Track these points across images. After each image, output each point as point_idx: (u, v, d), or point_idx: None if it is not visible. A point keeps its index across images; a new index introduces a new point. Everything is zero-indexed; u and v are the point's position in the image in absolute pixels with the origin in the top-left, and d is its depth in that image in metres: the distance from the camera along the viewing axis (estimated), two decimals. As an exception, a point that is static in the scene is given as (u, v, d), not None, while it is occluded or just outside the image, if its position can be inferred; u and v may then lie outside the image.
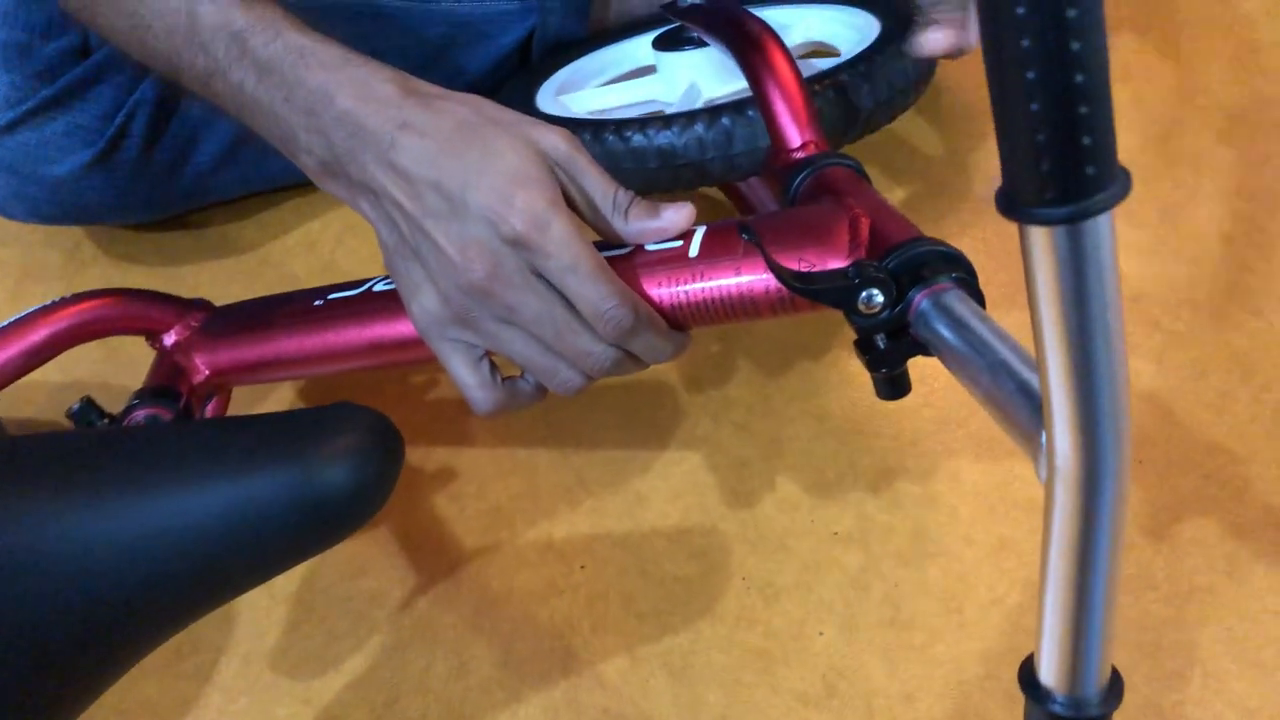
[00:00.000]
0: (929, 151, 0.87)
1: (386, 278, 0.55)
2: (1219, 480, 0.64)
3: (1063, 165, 0.25)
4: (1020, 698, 0.36)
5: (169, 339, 0.60)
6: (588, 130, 0.66)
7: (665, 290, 0.48)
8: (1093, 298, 0.26)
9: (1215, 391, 0.68)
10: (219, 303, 0.64)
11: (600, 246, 0.48)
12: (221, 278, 0.82)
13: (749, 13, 0.61)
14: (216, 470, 0.42)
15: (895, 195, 0.83)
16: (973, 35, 0.77)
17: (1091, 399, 0.27)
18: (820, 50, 0.80)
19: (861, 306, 0.41)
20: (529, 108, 0.75)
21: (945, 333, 0.39)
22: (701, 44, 0.71)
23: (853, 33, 0.75)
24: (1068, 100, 0.24)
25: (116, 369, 0.76)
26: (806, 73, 0.59)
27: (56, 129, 0.74)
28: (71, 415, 0.57)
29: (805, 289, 0.42)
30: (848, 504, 0.65)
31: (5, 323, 0.58)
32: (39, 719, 0.43)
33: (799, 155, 0.53)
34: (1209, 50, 0.93)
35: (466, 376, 0.50)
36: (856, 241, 0.44)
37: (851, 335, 0.45)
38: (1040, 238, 0.26)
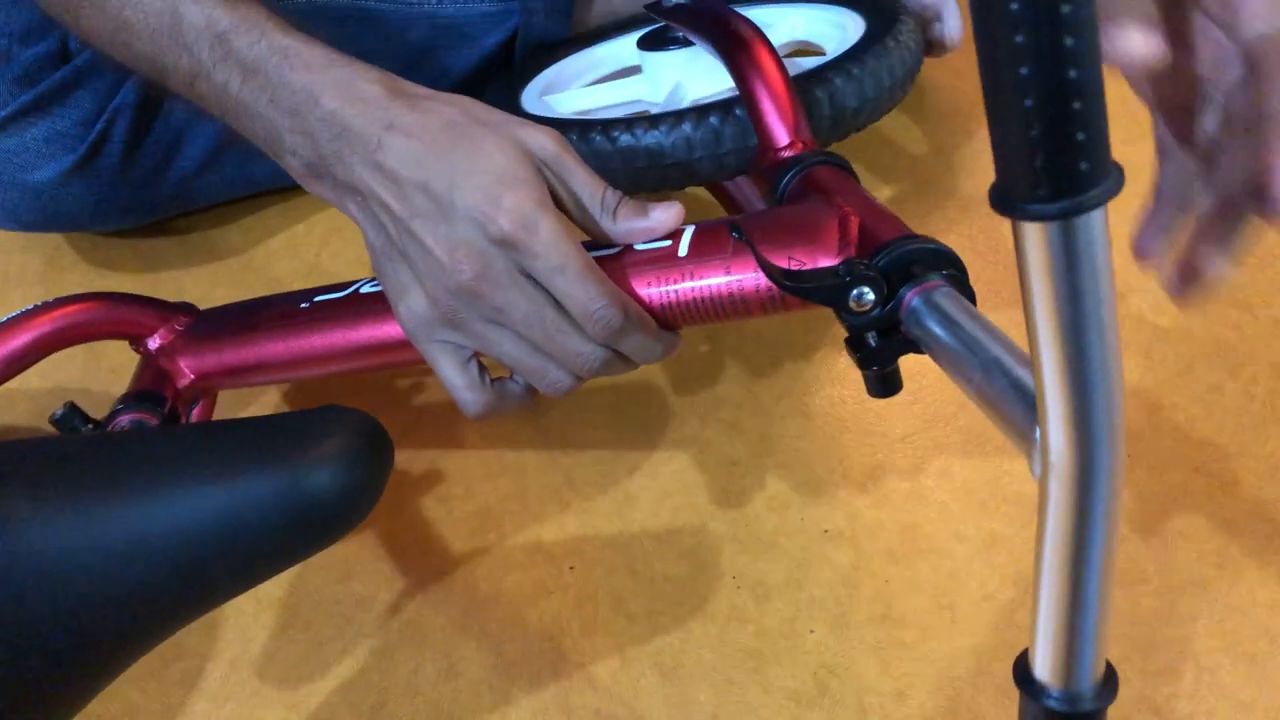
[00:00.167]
0: (915, 150, 0.87)
1: (373, 279, 0.55)
2: (1208, 474, 0.64)
3: (1056, 161, 0.25)
4: (1013, 693, 0.36)
5: (153, 343, 0.60)
6: (574, 130, 0.65)
7: (654, 290, 0.48)
8: (1086, 293, 0.26)
9: (1203, 385, 0.68)
10: (203, 308, 0.64)
11: (589, 247, 0.48)
12: (205, 283, 0.82)
13: (734, 11, 0.61)
14: (203, 474, 0.42)
15: (882, 194, 0.83)
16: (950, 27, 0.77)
17: (1086, 395, 0.27)
18: (805, 49, 0.79)
19: (852, 304, 0.41)
20: (513, 109, 0.74)
21: (937, 330, 0.39)
22: (687, 43, 0.71)
23: (838, 31, 0.75)
24: (1061, 96, 0.24)
25: (100, 375, 0.75)
26: (792, 72, 0.59)
27: (36, 135, 0.74)
28: (55, 421, 0.56)
29: (795, 287, 0.42)
30: (837, 501, 0.65)
31: (-13, 328, 0.58)
32: (25, 729, 0.42)
33: (786, 154, 0.53)
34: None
35: (455, 378, 0.49)
36: (846, 239, 0.44)
37: (840, 333, 0.45)
38: (1034, 234, 0.26)
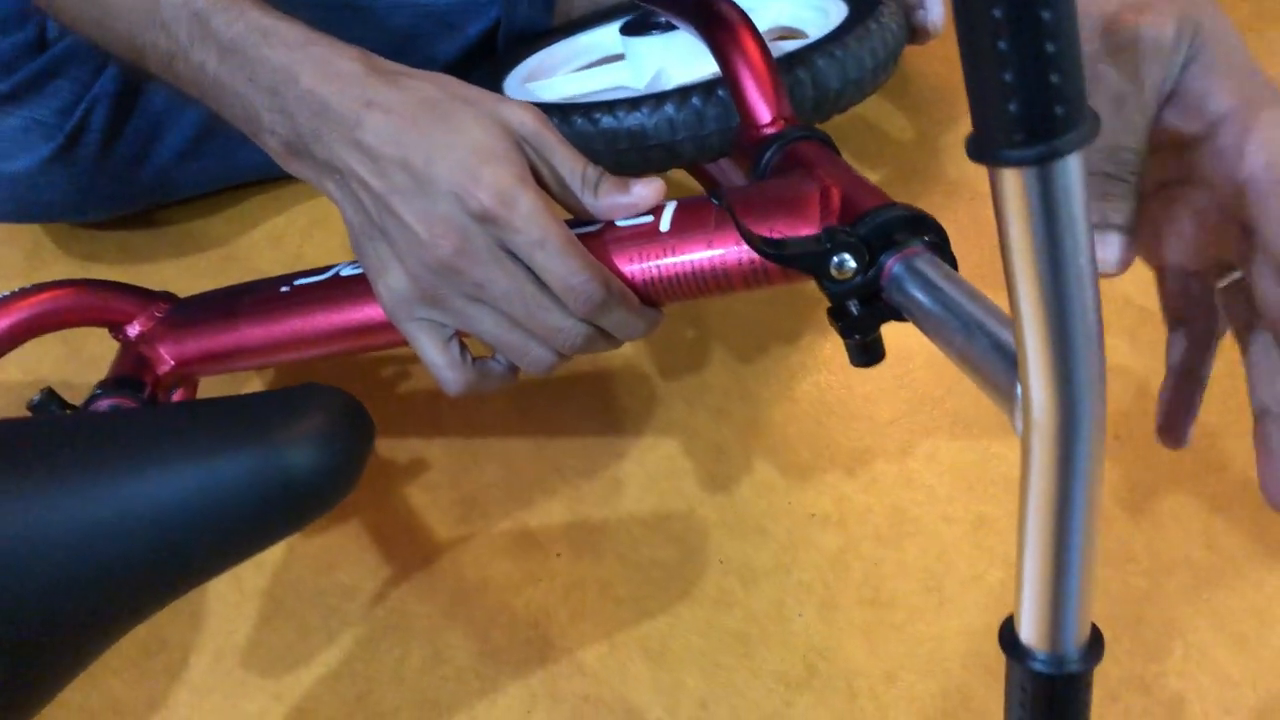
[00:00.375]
0: (901, 137, 0.87)
1: (354, 262, 0.55)
2: (1195, 454, 0.64)
3: (1031, 105, 0.25)
4: (1003, 674, 0.36)
5: (133, 330, 0.59)
6: (556, 114, 0.65)
7: (637, 265, 0.47)
8: (1065, 241, 0.26)
9: (1188, 366, 0.68)
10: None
11: (571, 224, 0.47)
12: (187, 274, 0.81)
13: (716, -7, 0.61)
14: (179, 452, 0.41)
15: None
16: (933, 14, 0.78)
17: (1066, 344, 0.27)
18: (789, 35, 0.79)
19: (834, 272, 0.41)
20: (497, 96, 0.74)
21: (918, 295, 0.38)
22: (670, 28, 0.71)
23: (820, 16, 0.75)
24: (1035, 38, 0.24)
25: (79, 366, 0.74)
26: (775, 54, 0.59)
27: (14, 124, 0.73)
28: (32, 407, 0.56)
29: (777, 254, 0.42)
30: (825, 485, 0.65)
31: (-37, 315, 0.57)
32: (-1, 713, 0.42)
33: (768, 131, 0.52)
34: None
35: (436, 357, 0.49)
36: (828, 210, 0.44)
37: (826, 318, 0.45)
38: (1010, 181, 0.26)
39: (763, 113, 0.53)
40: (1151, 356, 0.69)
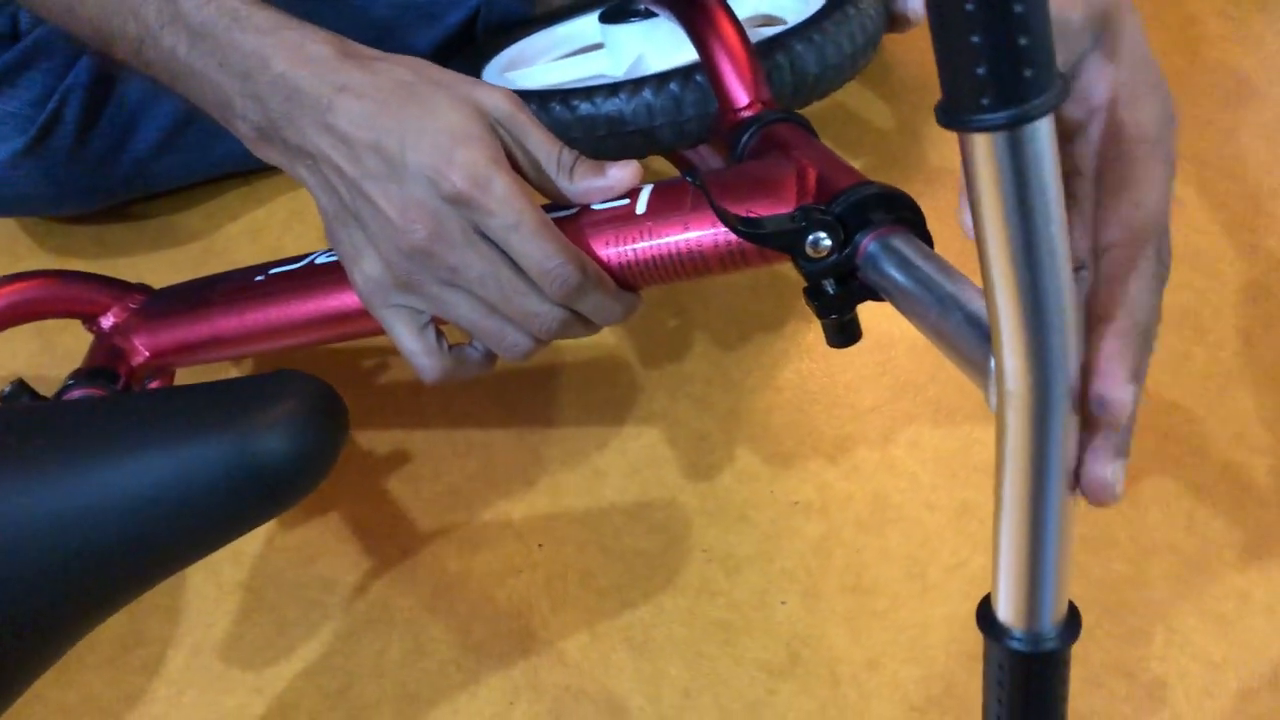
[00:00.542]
0: (881, 125, 0.87)
1: (329, 250, 0.54)
2: (1177, 438, 0.64)
3: (1000, 68, 0.24)
4: (985, 660, 0.36)
5: (107, 321, 0.59)
6: (534, 101, 0.65)
7: (613, 249, 0.47)
8: (1036, 206, 0.26)
9: (1170, 351, 0.68)
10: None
11: (547, 209, 0.47)
12: (164, 268, 0.80)
13: (693, -22, 0.61)
14: (150, 439, 0.41)
15: (848, 169, 0.83)
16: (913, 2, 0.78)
17: (1038, 309, 0.27)
18: (769, 22, 0.79)
19: (809, 250, 0.41)
20: (475, 86, 0.73)
21: (893, 273, 0.38)
22: (648, 16, 0.71)
23: (799, 4, 0.75)
24: (1003, -1, 0.24)
25: (53, 360, 0.74)
26: (754, 40, 0.59)
27: (-14, 117, 0.72)
28: (3, 398, 0.55)
29: (752, 233, 0.42)
30: (807, 473, 0.64)
31: (-66, 307, 0.56)
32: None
33: (746, 114, 0.52)
34: (1150, 19, 0.93)
35: (411, 344, 0.49)
36: (804, 191, 0.44)
37: (806, 307, 0.44)
38: (981, 146, 0.26)
39: (740, 96, 0.53)
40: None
